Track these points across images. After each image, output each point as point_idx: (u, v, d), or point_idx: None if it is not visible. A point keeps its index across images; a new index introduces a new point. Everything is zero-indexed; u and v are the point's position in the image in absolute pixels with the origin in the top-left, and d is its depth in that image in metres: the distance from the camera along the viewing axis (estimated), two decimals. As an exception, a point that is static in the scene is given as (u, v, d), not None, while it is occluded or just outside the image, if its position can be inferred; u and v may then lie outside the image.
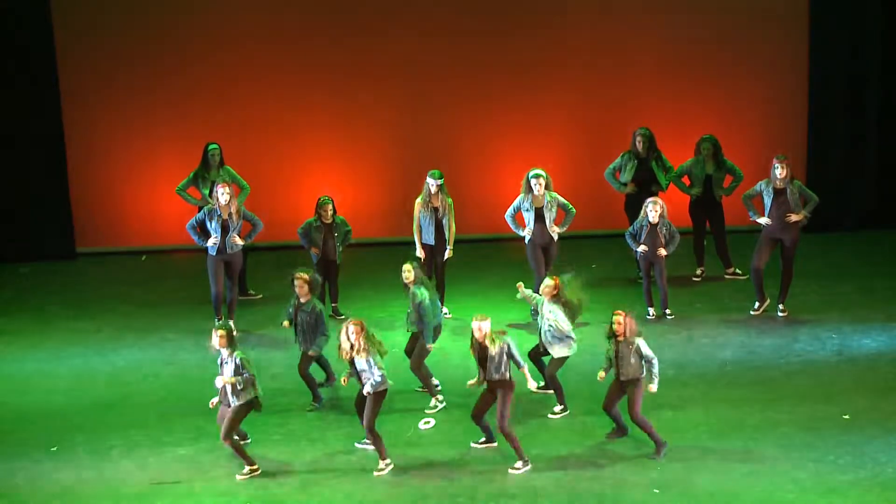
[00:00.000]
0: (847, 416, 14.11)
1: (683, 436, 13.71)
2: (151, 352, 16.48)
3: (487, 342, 13.15)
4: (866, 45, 20.09)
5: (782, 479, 12.79)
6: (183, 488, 13.01)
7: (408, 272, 14.69)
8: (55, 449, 13.86)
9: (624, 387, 13.44)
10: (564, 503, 12.54)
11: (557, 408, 14.43)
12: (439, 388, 14.79)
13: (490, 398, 13.38)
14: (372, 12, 20.07)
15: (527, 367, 13.45)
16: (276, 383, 15.09)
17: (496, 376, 13.19)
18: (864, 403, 14.40)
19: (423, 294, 14.59)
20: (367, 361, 13.14)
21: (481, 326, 13.17)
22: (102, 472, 13.36)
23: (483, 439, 13.71)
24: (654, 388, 13.38)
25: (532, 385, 13.45)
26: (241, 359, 13.17)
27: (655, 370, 13.39)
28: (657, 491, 12.68)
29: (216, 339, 13.24)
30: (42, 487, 13.05)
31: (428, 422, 14.25)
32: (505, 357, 13.15)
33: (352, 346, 13.16)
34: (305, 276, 14.54)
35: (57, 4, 19.60)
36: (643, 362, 13.36)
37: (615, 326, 13.39)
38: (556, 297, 14.29)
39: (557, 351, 14.32)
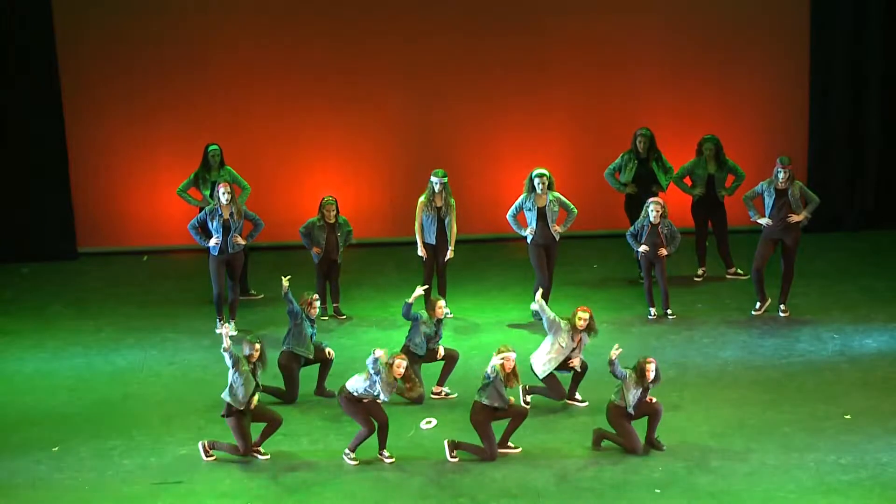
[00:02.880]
0: (848, 417, 14.10)
1: (684, 436, 13.70)
2: (153, 352, 16.44)
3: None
4: (867, 44, 20.08)
5: (783, 480, 12.79)
6: (184, 488, 13.00)
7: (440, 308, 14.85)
8: (56, 449, 13.85)
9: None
10: (564, 503, 12.55)
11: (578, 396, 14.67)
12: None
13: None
14: (373, 12, 20.04)
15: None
16: (277, 383, 15.04)
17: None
18: (865, 403, 14.39)
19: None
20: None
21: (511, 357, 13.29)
22: (103, 472, 13.35)
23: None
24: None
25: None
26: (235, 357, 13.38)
27: None
28: (658, 491, 12.68)
29: (251, 350, 13.37)
30: (42, 487, 13.04)
31: (430, 421, 14.23)
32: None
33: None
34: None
35: (57, 4, 19.58)
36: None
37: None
38: (588, 328, 14.25)
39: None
